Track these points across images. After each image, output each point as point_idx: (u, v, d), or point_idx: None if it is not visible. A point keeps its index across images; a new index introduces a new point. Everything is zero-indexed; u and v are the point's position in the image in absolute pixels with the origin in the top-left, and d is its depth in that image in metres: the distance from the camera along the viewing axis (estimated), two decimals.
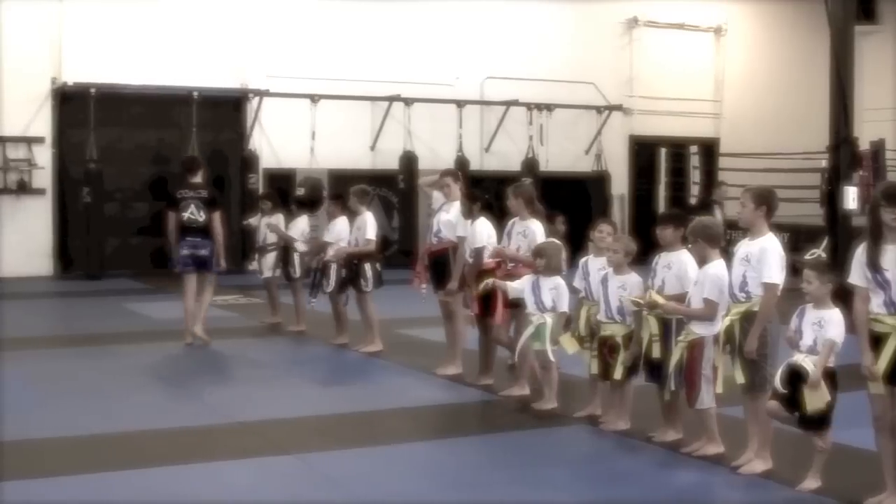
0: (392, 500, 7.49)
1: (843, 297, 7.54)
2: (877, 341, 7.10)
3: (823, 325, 7.55)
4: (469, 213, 11.21)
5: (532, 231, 10.71)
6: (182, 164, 14.49)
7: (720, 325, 8.18)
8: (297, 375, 11.93)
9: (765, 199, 8.12)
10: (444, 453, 8.87)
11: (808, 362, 7.53)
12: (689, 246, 8.61)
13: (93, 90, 21.03)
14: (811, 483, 7.64)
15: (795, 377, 7.58)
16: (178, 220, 13.42)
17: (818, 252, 7.89)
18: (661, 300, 8.56)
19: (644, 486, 7.96)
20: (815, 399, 7.51)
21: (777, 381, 7.68)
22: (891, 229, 6.99)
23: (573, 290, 9.94)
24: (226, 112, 22.96)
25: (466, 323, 11.61)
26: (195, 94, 21.77)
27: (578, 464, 8.58)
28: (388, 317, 13.89)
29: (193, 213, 13.41)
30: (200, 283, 13.64)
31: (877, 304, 7.09)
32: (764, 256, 7.94)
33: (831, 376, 7.55)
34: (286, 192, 18.12)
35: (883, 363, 7.05)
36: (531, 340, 10.01)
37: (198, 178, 13.71)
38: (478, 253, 10.98)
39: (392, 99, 23.45)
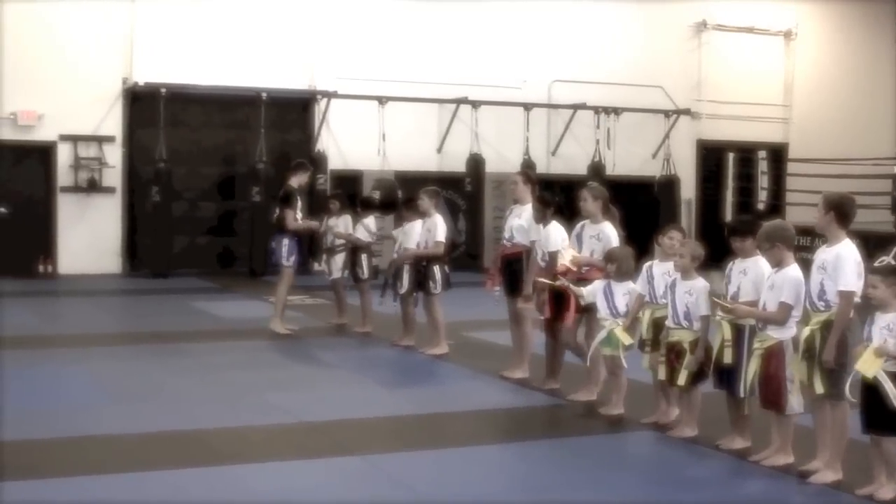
0: (458, 502, 7.48)
1: None
2: None
3: (893, 329, 7.48)
4: (542, 218, 11.18)
5: (606, 234, 10.62)
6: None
7: (795, 329, 8.10)
8: (362, 376, 11.96)
9: (834, 205, 8.03)
10: (510, 456, 8.87)
11: (882, 375, 7.45)
12: (762, 251, 8.52)
13: (163, 90, 21.22)
14: (890, 491, 7.57)
15: (867, 387, 7.52)
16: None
17: (888, 259, 7.81)
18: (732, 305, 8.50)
19: (712, 493, 7.91)
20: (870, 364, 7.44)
21: (847, 390, 7.61)
22: None
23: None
24: (294, 113, 23.09)
25: (534, 326, 11.59)
26: (264, 94, 21.89)
27: (645, 469, 8.55)
28: (455, 319, 13.89)
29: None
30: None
31: None
32: (839, 263, 7.85)
33: None
34: (354, 193, 18.18)
35: None
36: (602, 346, 9.98)
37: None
38: (552, 257, 10.94)
39: (459, 101, 23.46)
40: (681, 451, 8.95)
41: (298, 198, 14.42)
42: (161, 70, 21.44)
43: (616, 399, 10.04)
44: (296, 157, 22.54)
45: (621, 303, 9.86)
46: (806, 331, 8.01)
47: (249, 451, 8.63)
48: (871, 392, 7.51)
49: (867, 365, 7.46)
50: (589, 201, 10.75)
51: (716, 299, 8.73)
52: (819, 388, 7.93)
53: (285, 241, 14.37)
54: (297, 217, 14.36)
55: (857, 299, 7.88)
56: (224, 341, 13.93)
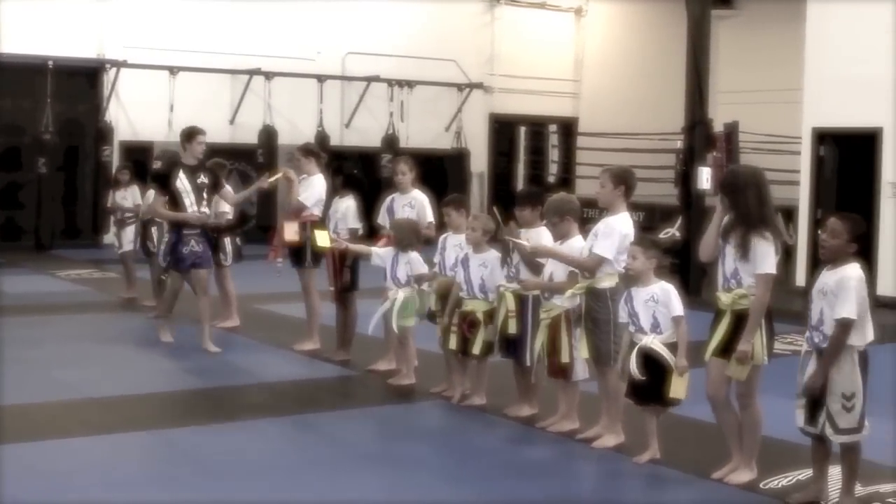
0: (250, 475, 7.46)
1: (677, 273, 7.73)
2: (717, 315, 7.39)
3: (658, 299, 7.74)
4: (335, 189, 11.26)
5: (420, 201, 10.75)
6: None
7: (578, 299, 8.29)
8: (153, 351, 11.77)
9: (623, 179, 8.25)
10: (301, 428, 8.88)
11: (658, 345, 7.70)
12: (546, 223, 8.68)
13: None
14: (649, 455, 7.86)
15: (650, 362, 7.75)
16: None
17: (672, 231, 8.04)
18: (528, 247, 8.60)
19: (500, 460, 8.04)
20: (680, 386, 7.68)
21: (633, 367, 7.82)
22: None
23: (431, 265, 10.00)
24: (82, 82, 22.49)
25: (323, 298, 11.62)
26: (50, 63, 21.26)
27: (435, 439, 8.65)
28: (247, 292, 13.81)
29: None
30: None
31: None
32: (608, 231, 8.11)
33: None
34: (143, 164, 17.84)
35: (716, 339, 7.31)
36: (388, 315, 10.04)
37: None
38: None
39: (252, 72, 23.23)
40: (470, 419, 9.09)
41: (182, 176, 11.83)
42: None
43: (406, 369, 10.14)
44: (85, 128, 22.14)
45: (402, 272, 9.93)
46: (576, 294, 8.22)
47: (36, 429, 8.43)
48: (649, 365, 7.75)
49: (680, 388, 7.69)
50: (407, 173, 10.86)
51: (515, 240, 8.73)
52: (584, 352, 8.21)
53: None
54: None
55: (614, 268, 8.13)
56: (9, 317, 13.53)
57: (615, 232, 8.08)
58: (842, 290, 6.66)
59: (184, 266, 11.67)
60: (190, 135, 11.83)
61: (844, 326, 6.64)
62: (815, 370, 6.75)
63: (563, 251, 8.33)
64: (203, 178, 11.73)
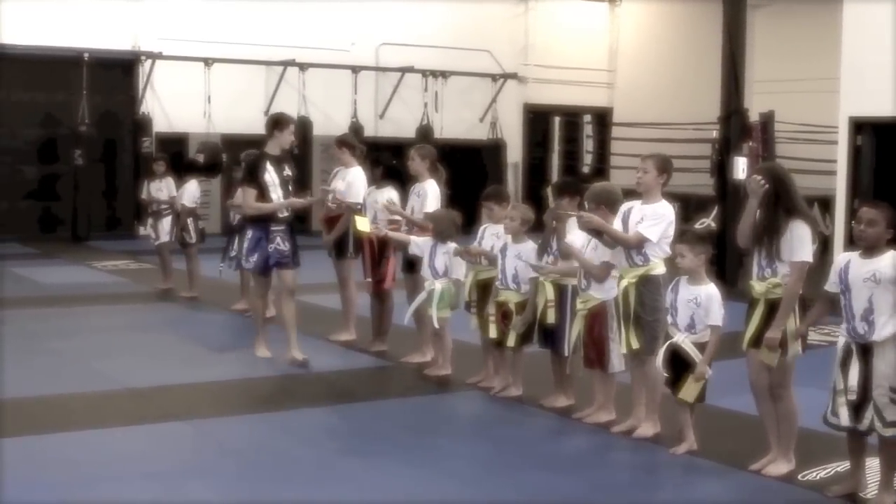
0: (285, 465, 7.48)
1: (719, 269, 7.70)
2: (751, 305, 7.38)
3: (700, 303, 7.70)
4: (375, 180, 11.26)
5: (425, 191, 10.73)
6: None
7: (616, 290, 8.26)
8: (189, 342, 11.82)
9: (666, 167, 8.22)
10: (337, 419, 8.88)
11: (689, 345, 7.68)
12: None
13: None
14: (686, 446, 7.84)
15: (677, 358, 7.74)
16: None
17: (707, 221, 8.00)
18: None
19: (536, 451, 8.03)
20: (692, 390, 7.67)
21: (659, 362, 7.81)
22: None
23: None
24: (117, 74, 22.57)
25: (359, 289, 11.63)
26: (86, 55, 21.38)
27: (471, 429, 8.66)
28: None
29: None
30: None
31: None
32: (657, 218, 8.07)
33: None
34: (180, 156, 17.91)
35: (751, 329, 7.27)
36: (426, 306, 10.04)
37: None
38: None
39: (287, 64, 23.28)
40: (506, 410, 9.09)
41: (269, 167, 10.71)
42: None
43: (441, 360, 10.14)
44: (122, 120, 22.24)
45: (440, 263, 9.92)
46: (623, 283, 8.18)
47: (73, 419, 8.48)
48: (677, 362, 7.73)
49: (691, 391, 7.68)
50: (416, 160, 10.85)
51: (571, 212, 8.69)
52: (634, 343, 8.13)
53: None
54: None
55: (664, 252, 8.11)
56: (47, 308, 13.62)
57: (663, 219, 8.07)
58: None
59: (269, 266, 10.67)
60: (279, 122, 10.77)
61: None
62: None
63: (611, 227, 8.21)
64: (288, 171, 10.77)
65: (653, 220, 8.04)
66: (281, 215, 10.60)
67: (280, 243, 10.61)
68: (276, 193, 10.56)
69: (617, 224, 8.18)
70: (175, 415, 8.69)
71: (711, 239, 7.89)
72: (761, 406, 7.49)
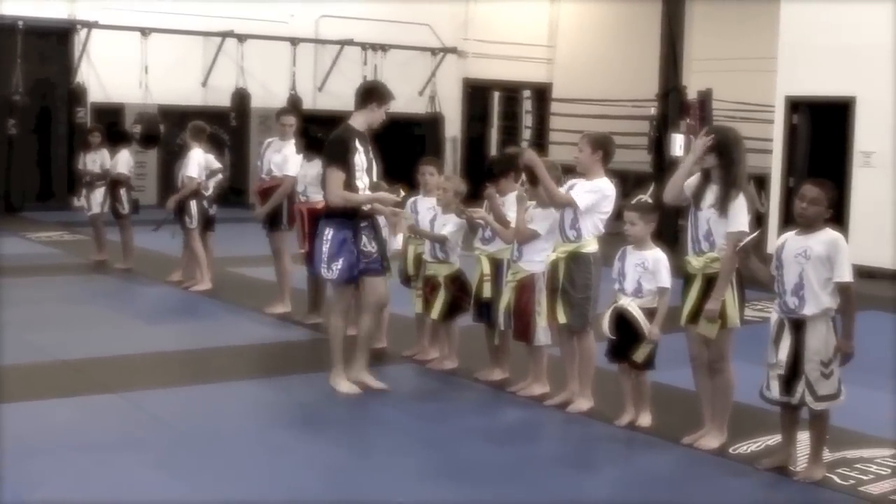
0: (219, 438, 7.45)
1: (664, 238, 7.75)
2: (687, 280, 7.42)
3: (648, 267, 7.74)
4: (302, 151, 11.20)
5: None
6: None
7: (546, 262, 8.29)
8: (123, 314, 11.74)
9: (602, 145, 8.21)
10: (272, 390, 8.86)
11: (634, 307, 7.72)
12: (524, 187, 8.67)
13: None
14: (644, 419, 7.89)
15: (622, 322, 7.77)
16: None
17: (645, 197, 8.04)
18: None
19: (469, 423, 8.05)
20: (641, 352, 7.72)
21: (605, 326, 7.86)
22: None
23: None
24: (52, 43, 22.24)
25: (294, 261, 11.59)
26: (20, 23, 21.06)
27: (406, 402, 8.63)
28: (219, 255, 13.76)
29: None
30: None
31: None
32: (594, 189, 8.08)
33: (653, 317, 7.76)
34: (116, 126, 17.71)
35: (689, 304, 7.32)
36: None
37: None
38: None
39: (225, 35, 23.08)
40: (441, 383, 9.09)
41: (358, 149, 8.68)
42: None
43: (378, 332, 10.12)
44: (57, 90, 21.92)
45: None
46: (551, 257, 8.20)
47: (5, 392, 8.36)
48: (623, 326, 7.77)
49: (643, 352, 7.72)
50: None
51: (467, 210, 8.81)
52: (563, 317, 8.15)
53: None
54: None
55: (598, 231, 8.16)
56: None
57: (599, 193, 8.07)
58: (838, 254, 6.69)
59: (355, 274, 8.61)
60: (378, 94, 8.93)
61: (850, 289, 6.69)
62: (842, 339, 6.73)
63: (545, 174, 8.11)
64: (371, 153, 8.78)
65: (588, 190, 8.05)
66: (366, 208, 8.69)
67: (367, 243, 8.57)
68: (363, 182, 8.60)
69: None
70: (108, 387, 8.62)
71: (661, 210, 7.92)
72: (699, 380, 7.54)
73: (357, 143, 8.52)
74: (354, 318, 9.17)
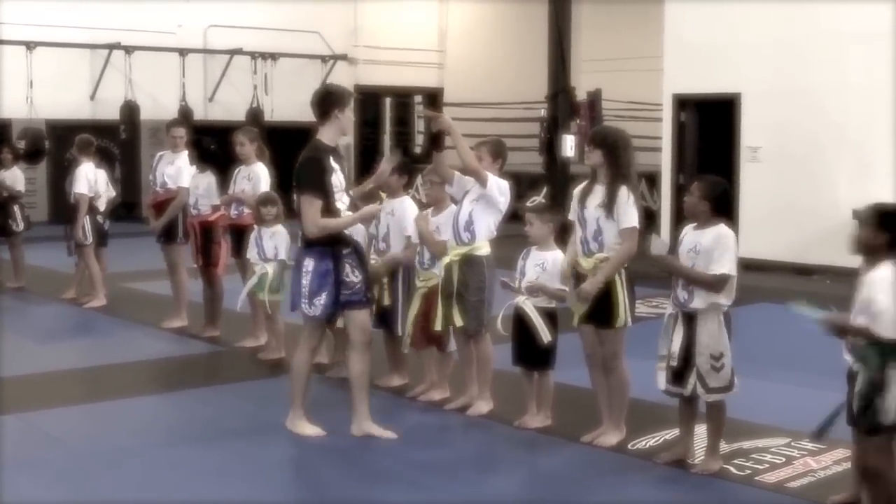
0: (115, 457, 7.36)
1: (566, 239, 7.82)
2: (578, 279, 7.50)
3: (546, 268, 7.81)
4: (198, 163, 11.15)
5: (257, 174, 10.62)
6: None
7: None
8: (16, 333, 11.54)
9: (500, 152, 8.29)
10: (171, 405, 8.80)
11: (529, 307, 7.78)
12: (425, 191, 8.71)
13: None
14: (539, 421, 7.94)
15: (518, 321, 7.84)
16: None
17: (539, 199, 8.11)
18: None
19: None
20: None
21: (499, 324, 7.91)
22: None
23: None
24: None
25: (190, 275, 11.52)
26: None
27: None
28: (113, 271, 13.61)
29: None
30: None
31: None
32: (499, 187, 8.12)
33: (552, 317, 7.83)
34: (2, 142, 17.41)
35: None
36: (256, 290, 9.98)
37: None
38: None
39: (112, 47, 22.81)
40: (340, 391, 9.06)
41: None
42: None
43: (275, 343, 10.09)
44: None
45: (269, 246, 9.89)
46: (446, 260, 8.23)
47: None
48: (521, 327, 7.83)
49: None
50: (246, 144, 10.72)
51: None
52: (459, 321, 8.18)
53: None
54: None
55: (491, 235, 8.19)
56: None
57: (501, 188, 8.11)
58: (719, 247, 6.80)
59: (337, 309, 7.79)
60: (338, 98, 8.02)
61: (721, 282, 6.78)
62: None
63: (464, 143, 8.04)
64: (344, 169, 7.98)
65: (493, 190, 8.07)
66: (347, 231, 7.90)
67: (350, 273, 7.68)
68: (344, 201, 7.81)
69: (463, 204, 8.21)
70: (3, 408, 8.47)
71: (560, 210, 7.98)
72: (595, 378, 7.63)
73: (332, 162, 7.75)
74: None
